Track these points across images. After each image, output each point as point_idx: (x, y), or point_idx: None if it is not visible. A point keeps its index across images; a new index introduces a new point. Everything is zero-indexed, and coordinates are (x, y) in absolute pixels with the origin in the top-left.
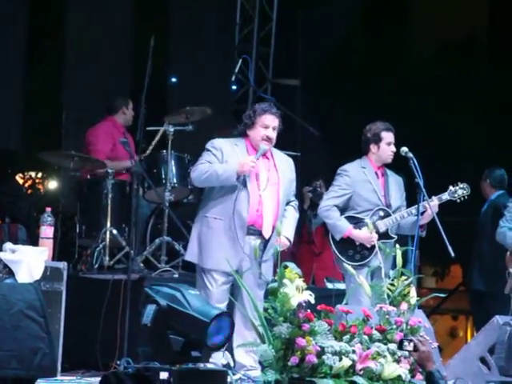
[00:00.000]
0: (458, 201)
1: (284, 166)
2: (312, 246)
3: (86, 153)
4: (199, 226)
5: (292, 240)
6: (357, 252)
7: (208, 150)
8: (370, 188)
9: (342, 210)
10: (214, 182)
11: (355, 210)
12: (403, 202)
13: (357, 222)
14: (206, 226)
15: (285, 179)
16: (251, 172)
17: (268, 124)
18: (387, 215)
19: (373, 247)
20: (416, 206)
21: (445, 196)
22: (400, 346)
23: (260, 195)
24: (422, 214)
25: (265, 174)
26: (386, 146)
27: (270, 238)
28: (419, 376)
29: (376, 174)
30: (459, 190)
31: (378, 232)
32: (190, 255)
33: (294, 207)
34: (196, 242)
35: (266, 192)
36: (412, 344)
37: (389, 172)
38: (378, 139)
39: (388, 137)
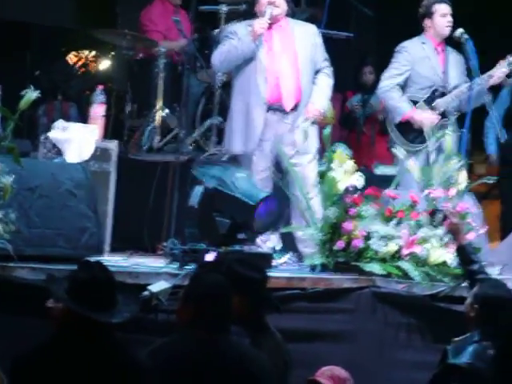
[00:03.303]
0: None
1: (302, 33)
2: (362, 137)
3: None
4: (229, 112)
5: (323, 108)
6: (417, 136)
7: (224, 37)
8: (428, 64)
9: (402, 88)
10: (234, 57)
11: (412, 88)
12: (464, 80)
13: (415, 105)
14: (231, 111)
15: (304, 46)
16: (265, 46)
17: None
18: (444, 94)
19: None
20: (475, 80)
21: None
22: (433, 217)
23: (275, 68)
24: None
25: (278, 45)
26: (440, 18)
27: (297, 109)
28: None
29: (436, 49)
30: None
31: (438, 112)
32: (224, 144)
33: (327, 73)
34: (227, 129)
35: (283, 63)
36: (442, 214)
37: (450, 49)
38: (430, 12)
39: (441, 8)
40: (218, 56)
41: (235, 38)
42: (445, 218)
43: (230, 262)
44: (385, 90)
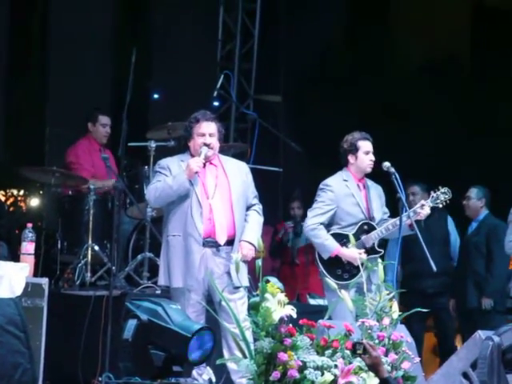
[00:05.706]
0: (441, 206)
1: (234, 170)
2: (295, 268)
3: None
4: (164, 247)
5: (256, 244)
6: (345, 270)
7: (156, 172)
8: (353, 202)
9: (327, 225)
10: (169, 195)
11: (339, 225)
12: (385, 210)
13: (343, 239)
14: (168, 246)
15: (236, 182)
16: (199, 182)
17: (203, 132)
18: (372, 229)
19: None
20: (401, 216)
21: (428, 203)
22: (353, 350)
23: (210, 203)
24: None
25: (212, 181)
26: (363, 156)
27: (230, 244)
28: None
29: (358, 186)
30: (441, 195)
31: (365, 248)
32: (161, 278)
33: (257, 211)
34: (163, 264)
35: (216, 199)
36: (362, 347)
37: (369, 182)
38: (354, 149)
39: (365, 146)
40: (153, 192)
41: (168, 173)
42: (364, 351)
43: None
44: (311, 229)
